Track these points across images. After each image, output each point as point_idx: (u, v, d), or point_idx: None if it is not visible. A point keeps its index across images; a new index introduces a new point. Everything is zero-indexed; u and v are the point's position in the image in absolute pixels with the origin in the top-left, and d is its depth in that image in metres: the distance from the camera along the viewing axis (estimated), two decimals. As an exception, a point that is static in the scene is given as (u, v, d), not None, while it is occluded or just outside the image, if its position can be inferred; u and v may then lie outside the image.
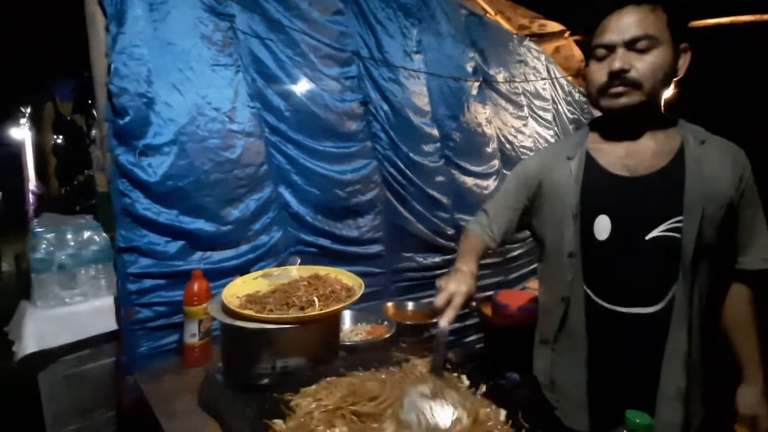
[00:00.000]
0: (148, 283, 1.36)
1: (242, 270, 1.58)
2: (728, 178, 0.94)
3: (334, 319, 1.02)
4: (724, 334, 1.05)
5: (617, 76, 0.90)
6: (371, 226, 2.02)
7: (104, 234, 1.41)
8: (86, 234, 1.36)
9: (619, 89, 0.91)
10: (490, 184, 2.65)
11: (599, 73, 0.94)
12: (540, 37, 3.35)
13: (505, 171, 2.77)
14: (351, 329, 1.48)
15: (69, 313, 1.30)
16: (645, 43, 0.89)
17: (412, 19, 2.25)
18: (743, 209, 0.96)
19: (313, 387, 0.83)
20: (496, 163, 2.69)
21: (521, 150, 2.91)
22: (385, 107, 2.07)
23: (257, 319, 0.90)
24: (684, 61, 0.95)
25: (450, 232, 2.43)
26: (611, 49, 0.92)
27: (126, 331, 1.32)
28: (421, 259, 2.31)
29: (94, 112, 2.16)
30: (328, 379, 0.85)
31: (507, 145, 2.79)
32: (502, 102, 2.87)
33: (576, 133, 1.13)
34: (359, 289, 1.06)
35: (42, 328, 1.25)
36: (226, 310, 0.97)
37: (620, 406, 0.71)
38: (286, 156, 1.70)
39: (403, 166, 2.12)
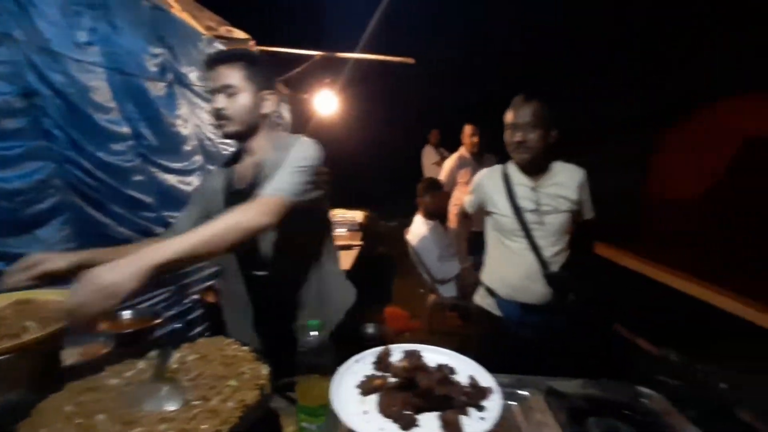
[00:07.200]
0: None
1: None
2: None
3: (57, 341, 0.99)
4: None
5: None
6: (60, 237, 1.80)
7: None
8: None
9: None
10: (194, 180, 2.77)
11: None
12: (227, 41, 3.59)
13: (209, 166, 2.94)
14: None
15: None
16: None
17: (78, 6, 2.03)
18: None
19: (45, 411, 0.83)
20: (198, 159, 2.83)
21: (221, 146, 3.14)
22: (59, 102, 1.84)
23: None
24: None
25: (159, 230, 2.43)
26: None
27: None
28: (129, 263, 2.23)
29: None
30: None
31: (207, 141, 2.96)
32: (198, 100, 2.99)
33: None
34: None
35: None
36: None
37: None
38: None
39: (91, 167, 1.96)
